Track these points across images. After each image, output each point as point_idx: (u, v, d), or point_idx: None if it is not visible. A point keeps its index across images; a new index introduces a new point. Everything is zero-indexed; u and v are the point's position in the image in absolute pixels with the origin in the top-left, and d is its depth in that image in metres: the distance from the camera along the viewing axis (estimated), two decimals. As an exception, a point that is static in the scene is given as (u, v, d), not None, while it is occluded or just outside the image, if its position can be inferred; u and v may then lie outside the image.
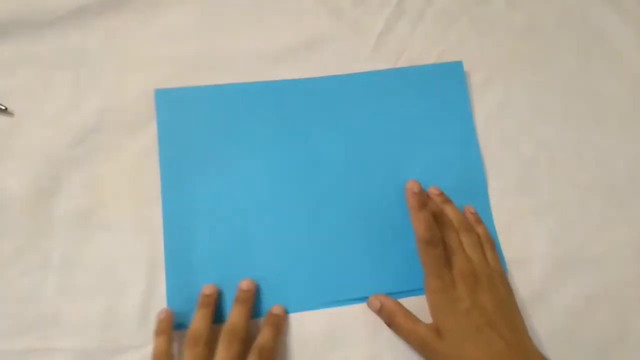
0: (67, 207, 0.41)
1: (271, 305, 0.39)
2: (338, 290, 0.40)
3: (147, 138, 0.43)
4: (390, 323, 0.38)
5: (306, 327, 0.39)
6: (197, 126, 0.44)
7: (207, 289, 0.38)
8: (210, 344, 0.35)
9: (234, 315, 0.37)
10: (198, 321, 0.37)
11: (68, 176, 0.42)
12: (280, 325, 0.38)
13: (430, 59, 0.48)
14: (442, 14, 0.50)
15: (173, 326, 0.38)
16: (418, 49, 0.48)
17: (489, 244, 0.41)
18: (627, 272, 0.42)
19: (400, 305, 0.39)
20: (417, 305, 0.39)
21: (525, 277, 0.42)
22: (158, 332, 0.37)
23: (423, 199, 0.40)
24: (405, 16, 0.50)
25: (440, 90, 0.47)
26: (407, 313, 0.38)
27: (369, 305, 0.40)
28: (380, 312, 0.39)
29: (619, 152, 0.46)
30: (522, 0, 0.51)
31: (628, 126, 0.47)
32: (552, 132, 0.46)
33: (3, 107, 0.43)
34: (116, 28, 0.47)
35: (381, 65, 0.47)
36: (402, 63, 0.48)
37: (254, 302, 0.39)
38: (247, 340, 0.36)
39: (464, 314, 0.36)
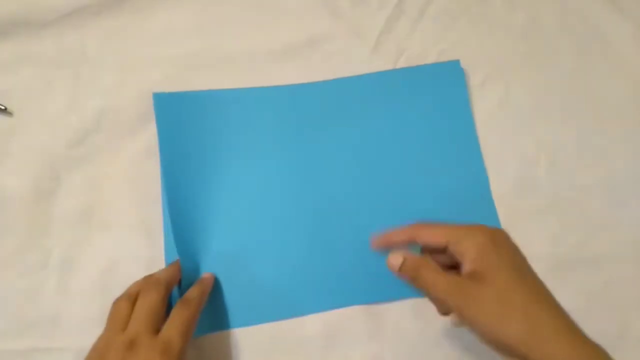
0: (67, 207, 0.41)
1: (270, 309, 0.39)
2: (339, 295, 0.40)
3: (147, 138, 0.43)
4: (415, 277, 0.32)
5: (306, 327, 0.39)
6: (197, 130, 0.43)
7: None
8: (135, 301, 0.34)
9: (157, 271, 0.37)
10: (131, 285, 0.36)
11: (68, 176, 0.42)
12: (206, 285, 0.38)
13: (430, 58, 0.48)
14: (442, 14, 0.50)
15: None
16: (418, 49, 0.48)
17: None
18: (627, 272, 0.42)
19: (425, 258, 0.33)
20: (418, 305, 0.39)
21: (525, 277, 0.42)
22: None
23: (383, 237, 0.36)
24: (405, 16, 0.50)
25: (439, 89, 0.47)
26: (435, 265, 0.32)
27: (389, 265, 0.34)
28: (403, 268, 0.33)
29: (619, 152, 0.46)
30: (522, 0, 0.51)
31: (628, 126, 0.47)
32: (552, 132, 0.46)
33: (3, 107, 0.43)
34: (116, 28, 0.47)
35: (381, 65, 0.47)
36: (402, 63, 0.48)
37: (180, 275, 0.38)
38: (167, 292, 0.35)
39: (506, 253, 0.32)
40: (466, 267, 0.31)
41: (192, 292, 0.36)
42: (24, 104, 0.43)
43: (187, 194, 0.41)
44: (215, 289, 0.39)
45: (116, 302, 0.34)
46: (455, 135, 0.45)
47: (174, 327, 0.33)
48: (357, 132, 0.45)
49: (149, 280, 0.36)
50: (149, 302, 0.34)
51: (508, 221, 0.43)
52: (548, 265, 0.42)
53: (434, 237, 0.33)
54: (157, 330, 0.33)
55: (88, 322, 0.38)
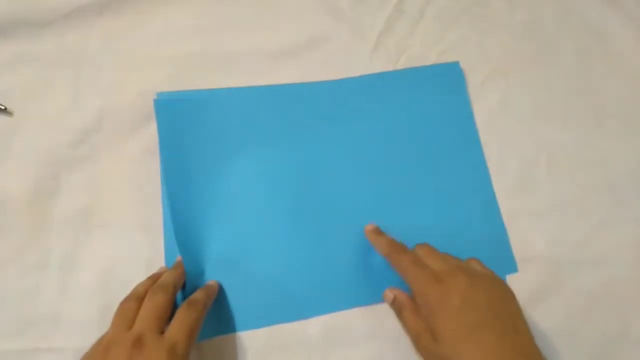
0: (67, 207, 0.41)
1: (266, 311, 0.39)
2: (340, 298, 0.40)
3: (147, 138, 0.43)
4: (398, 316, 0.38)
5: (306, 328, 0.39)
6: (198, 129, 0.43)
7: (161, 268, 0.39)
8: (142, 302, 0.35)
9: (163, 275, 0.37)
10: (137, 285, 0.36)
11: (68, 176, 0.42)
12: (213, 292, 0.38)
13: (430, 59, 0.48)
14: (442, 14, 0.50)
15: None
16: (418, 49, 0.48)
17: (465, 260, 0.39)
18: (627, 272, 0.42)
19: (411, 300, 0.37)
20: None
21: (525, 277, 0.41)
22: (149, 277, 0.37)
23: (378, 231, 0.40)
24: (405, 16, 0.50)
25: (440, 91, 0.47)
26: (415, 309, 0.37)
27: (384, 297, 0.39)
28: (393, 304, 0.39)
29: (619, 152, 0.46)
30: (522, 0, 0.51)
31: (628, 126, 0.47)
32: (552, 132, 0.46)
33: (3, 107, 0.43)
34: (116, 28, 0.47)
35: (381, 65, 0.47)
36: (402, 63, 0.48)
37: (184, 273, 0.38)
38: (174, 295, 0.36)
39: (455, 312, 0.33)
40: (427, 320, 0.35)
41: (198, 295, 0.36)
42: (24, 104, 0.43)
43: (187, 194, 0.41)
44: (217, 294, 0.39)
45: (124, 302, 0.35)
46: (457, 135, 0.45)
47: (179, 328, 0.33)
48: (358, 133, 0.45)
49: (156, 281, 0.36)
50: (156, 303, 0.34)
51: (508, 221, 0.43)
52: (548, 265, 0.42)
53: (402, 276, 0.37)
54: (162, 330, 0.33)
55: (88, 322, 0.38)
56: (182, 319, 0.34)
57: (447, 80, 0.47)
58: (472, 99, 0.47)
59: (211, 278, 0.40)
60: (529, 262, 0.42)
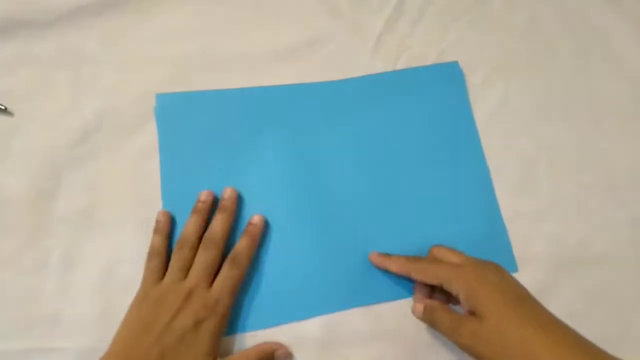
0: (67, 207, 0.41)
1: (267, 312, 0.39)
2: (340, 298, 0.40)
3: (147, 138, 0.43)
4: (432, 322, 0.37)
5: (306, 329, 0.39)
6: (198, 130, 0.43)
7: (203, 195, 0.40)
8: (196, 249, 0.38)
9: (214, 224, 0.39)
10: (188, 226, 0.39)
11: (68, 176, 0.42)
12: (256, 235, 0.40)
13: (430, 59, 0.48)
14: (442, 14, 0.50)
15: (171, 228, 0.40)
16: (418, 49, 0.48)
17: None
18: (627, 272, 0.42)
19: (437, 301, 0.38)
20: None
21: (525, 277, 0.41)
22: (155, 231, 0.40)
23: (384, 255, 0.41)
24: (405, 16, 0.50)
25: (439, 91, 0.47)
26: (446, 306, 0.37)
27: (414, 313, 0.38)
28: (424, 313, 0.37)
29: (619, 152, 0.46)
30: (522, 0, 0.51)
31: (628, 126, 0.47)
32: (552, 132, 0.47)
33: (3, 107, 0.43)
34: (116, 28, 0.47)
35: (381, 65, 0.47)
36: (402, 63, 0.48)
37: (235, 210, 0.40)
38: (223, 249, 0.39)
39: (496, 287, 0.34)
40: (464, 307, 0.35)
41: (241, 248, 0.39)
42: (24, 104, 0.43)
43: (186, 195, 0.41)
44: None
45: (181, 251, 0.38)
46: (457, 135, 0.45)
47: (224, 285, 0.37)
48: (358, 134, 0.45)
49: (209, 237, 0.39)
50: (208, 258, 0.37)
51: (508, 221, 0.43)
52: (548, 265, 0.42)
53: (426, 278, 0.37)
54: (210, 284, 0.37)
55: (88, 322, 0.38)
56: (226, 276, 0.37)
57: (447, 80, 0.47)
58: (472, 99, 0.47)
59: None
60: (529, 262, 0.42)
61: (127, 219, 0.41)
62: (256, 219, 0.40)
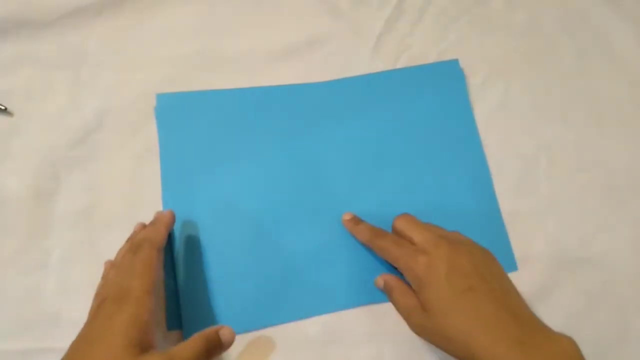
0: (67, 207, 0.41)
1: (266, 312, 0.39)
2: (340, 298, 0.40)
3: (147, 138, 0.43)
4: (390, 299, 0.38)
5: (306, 329, 0.39)
6: (198, 130, 0.43)
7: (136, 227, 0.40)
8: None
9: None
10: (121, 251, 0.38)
11: (68, 176, 0.42)
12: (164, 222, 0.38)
13: (430, 58, 0.48)
14: (442, 14, 0.50)
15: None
16: (418, 49, 0.48)
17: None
18: (627, 272, 0.42)
19: (400, 281, 0.37)
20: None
21: (525, 277, 0.41)
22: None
23: (356, 220, 0.41)
24: (405, 16, 0.50)
25: (439, 89, 0.47)
26: (405, 289, 0.36)
27: (376, 285, 0.40)
28: (384, 288, 0.39)
29: (619, 152, 0.46)
30: (522, 0, 0.51)
31: (628, 126, 0.47)
32: (552, 132, 0.47)
33: (3, 107, 0.43)
34: (116, 28, 0.47)
35: (381, 65, 0.47)
36: (402, 63, 0.48)
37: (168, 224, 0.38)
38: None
39: (443, 280, 0.33)
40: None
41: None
42: (24, 104, 0.43)
43: (186, 194, 0.41)
44: (216, 296, 0.39)
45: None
46: (457, 134, 0.45)
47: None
48: (358, 133, 0.45)
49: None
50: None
51: (508, 221, 0.43)
52: (548, 265, 0.42)
53: (386, 258, 0.38)
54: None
55: (88, 322, 0.38)
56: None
57: (447, 77, 0.47)
58: (472, 99, 0.47)
59: (211, 278, 0.40)
60: (529, 262, 0.42)
61: (127, 219, 0.41)
62: (166, 211, 0.39)
